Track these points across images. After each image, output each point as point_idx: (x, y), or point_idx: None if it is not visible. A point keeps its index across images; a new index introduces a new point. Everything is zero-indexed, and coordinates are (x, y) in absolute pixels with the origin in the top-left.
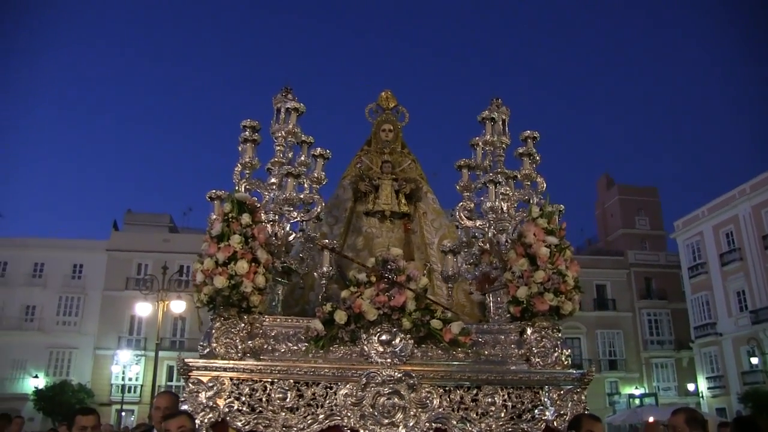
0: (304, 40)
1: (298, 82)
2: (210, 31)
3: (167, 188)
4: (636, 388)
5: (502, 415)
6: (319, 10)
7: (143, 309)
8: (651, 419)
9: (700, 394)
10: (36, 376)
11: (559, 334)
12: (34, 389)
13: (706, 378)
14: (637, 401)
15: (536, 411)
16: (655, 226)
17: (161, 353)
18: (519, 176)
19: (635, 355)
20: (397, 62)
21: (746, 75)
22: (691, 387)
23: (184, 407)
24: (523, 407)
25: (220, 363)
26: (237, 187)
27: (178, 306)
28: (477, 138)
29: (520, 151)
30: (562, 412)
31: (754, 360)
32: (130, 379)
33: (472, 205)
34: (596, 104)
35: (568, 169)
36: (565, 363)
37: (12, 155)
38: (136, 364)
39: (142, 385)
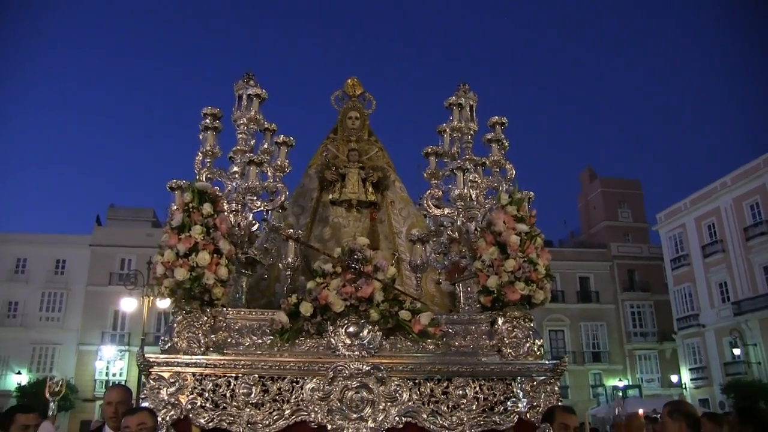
0: (273, 28)
1: (266, 70)
2: (193, 27)
3: (150, 183)
4: (620, 379)
5: (474, 407)
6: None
7: (128, 304)
8: (641, 411)
9: (683, 386)
10: (19, 372)
11: (531, 324)
12: (16, 385)
13: (689, 369)
14: (621, 393)
15: (509, 403)
16: (637, 218)
17: (145, 348)
18: (488, 163)
19: (619, 347)
20: (366, 50)
21: (730, 68)
22: (674, 378)
23: (145, 404)
24: (495, 399)
25: (182, 358)
26: (198, 177)
27: (163, 301)
28: (444, 124)
29: (489, 137)
30: (535, 403)
31: (737, 351)
32: (114, 375)
33: (440, 193)
34: (579, 97)
35: (551, 162)
36: (538, 353)
37: None
38: (120, 359)
39: (126, 381)
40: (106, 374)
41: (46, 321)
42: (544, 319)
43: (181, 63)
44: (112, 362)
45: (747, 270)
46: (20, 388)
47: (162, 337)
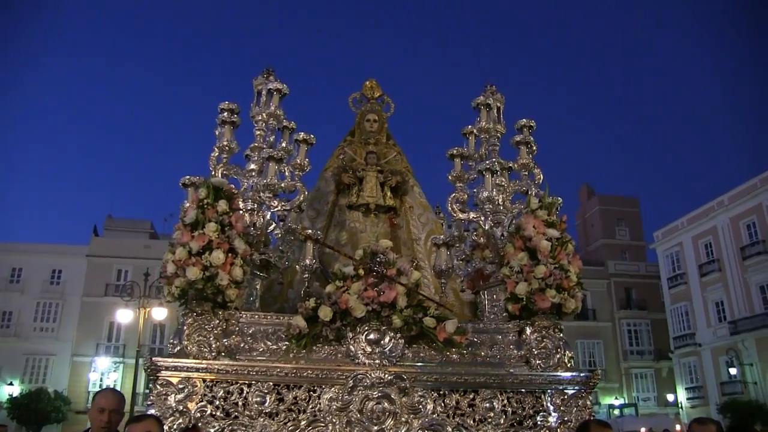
0: (284, 27)
1: (278, 70)
2: (196, 40)
3: (148, 194)
4: (616, 398)
5: (502, 421)
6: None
7: (124, 316)
8: (642, 430)
9: (680, 405)
10: (11, 383)
11: (561, 334)
12: (8, 396)
13: (686, 388)
14: (617, 411)
15: (538, 417)
16: (635, 236)
17: (140, 360)
18: (515, 166)
19: (615, 365)
20: (384, 55)
21: (727, 87)
22: (670, 397)
23: (151, 411)
24: (524, 413)
25: (191, 363)
26: (213, 173)
27: (159, 313)
28: (470, 126)
29: (517, 139)
30: (566, 418)
31: (733, 371)
32: (107, 387)
33: (466, 197)
34: (576, 114)
35: (549, 179)
36: (569, 365)
37: None
38: (114, 371)
39: None
40: (100, 386)
41: (40, 331)
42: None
43: (183, 75)
44: (106, 374)
45: (743, 289)
46: (11, 400)
47: (171, 340)
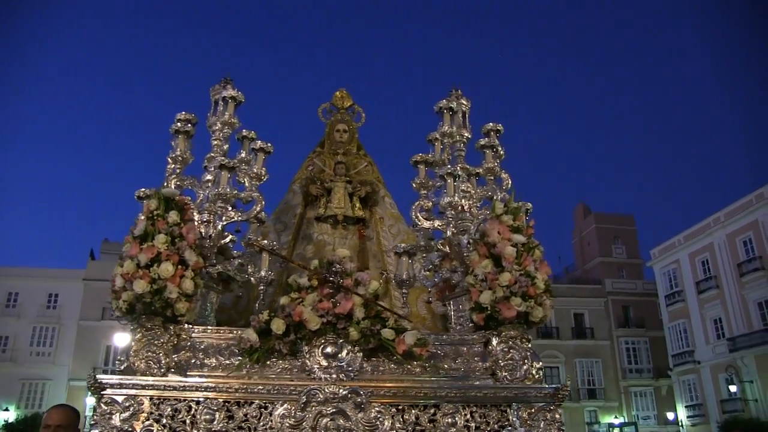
0: (254, 45)
1: (254, 87)
2: (189, 59)
3: None
4: (615, 417)
5: None
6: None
7: (121, 339)
8: None
9: (680, 423)
10: (6, 409)
11: (529, 345)
12: (3, 422)
13: (686, 406)
14: (617, 430)
15: None
16: (631, 254)
17: None
18: (481, 171)
19: (614, 384)
20: (355, 63)
21: (722, 103)
22: (670, 416)
23: (95, 431)
24: (489, 428)
25: (137, 380)
26: (165, 184)
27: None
28: (434, 132)
29: (482, 143)
30: None
31: (733, 388)
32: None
33: (430, 204)
34: (572, 133)
35: (545, 198)
36: (536, 377)
37: None
38: None
39: None
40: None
41: (36, 356)
42: (538, 354)
43: (176, 99)
44: None
45: (741, 306)
46: (7, 426)
47: (118, 357)
